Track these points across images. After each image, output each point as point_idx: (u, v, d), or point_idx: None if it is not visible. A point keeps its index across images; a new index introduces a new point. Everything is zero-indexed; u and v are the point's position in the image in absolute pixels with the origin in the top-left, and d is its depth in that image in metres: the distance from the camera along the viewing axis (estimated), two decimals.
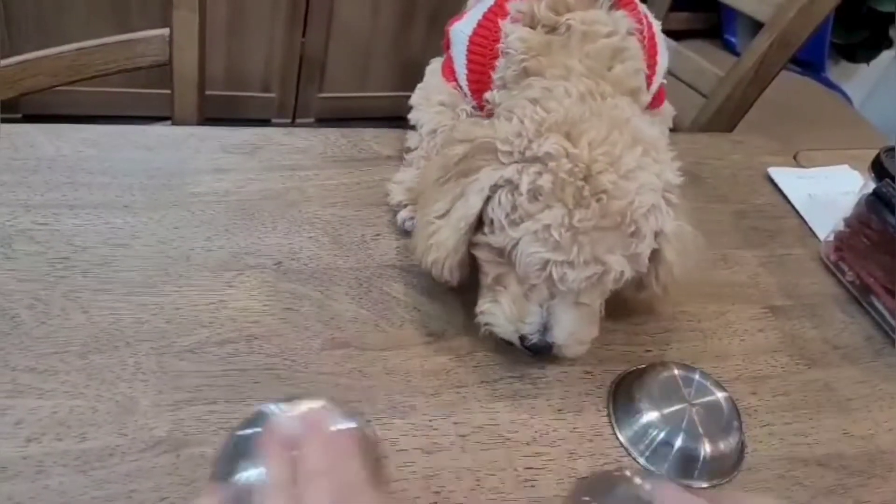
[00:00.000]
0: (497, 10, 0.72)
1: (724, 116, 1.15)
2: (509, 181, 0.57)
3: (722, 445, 0.62)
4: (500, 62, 0.70)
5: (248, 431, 0.48)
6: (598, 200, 0.55)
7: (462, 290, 0.71)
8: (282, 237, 0.72)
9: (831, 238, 0.84)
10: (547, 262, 0.57)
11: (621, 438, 0.63)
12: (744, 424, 0.65)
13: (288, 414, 0.48)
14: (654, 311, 0.72)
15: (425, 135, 0.77)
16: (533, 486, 0.59)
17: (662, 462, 0.62)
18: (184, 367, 0.60)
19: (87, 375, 0.58)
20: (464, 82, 0.76)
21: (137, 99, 1.78)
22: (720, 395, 0.65)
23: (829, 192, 0.92)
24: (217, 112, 1.84)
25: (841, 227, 0.83)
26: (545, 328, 0.60)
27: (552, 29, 0.67)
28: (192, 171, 0.77)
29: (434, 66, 0.82)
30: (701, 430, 0.63)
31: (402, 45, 1.91)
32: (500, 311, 0.62)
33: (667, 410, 0.63)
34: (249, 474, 0.46)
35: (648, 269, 0.62)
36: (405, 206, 0.75)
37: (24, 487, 0.51)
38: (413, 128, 0.79)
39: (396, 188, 0.76)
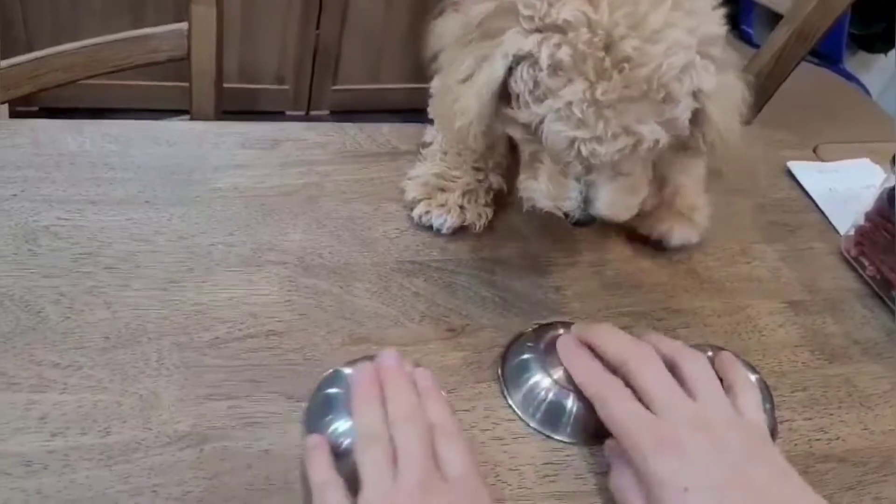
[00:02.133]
0: None
1: None
2: (529, 54, 0.54)
3: None
4: None
5: (333, 390, 0.58)
6: (621, 71, 0.52)
7: (482, 284, 0.71)
8: (302, 233, 0.73)
9: (852, 232, 0.84)
10: (574, 140, 0.54)
11: None
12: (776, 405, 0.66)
13: (366, 366, 0.57)
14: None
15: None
16: (553, 482, 0.59)
17: None
18: (206, 362, 0.61)
19: (110, 370, 0.59)
20: None
21: (154, 92, 1.79)
22: (753, 377, 0.66)
23: (849, 186, 0.92)
24: (232, 105, 1.84)
25: (861, 221, 0.83)
26: (586, 202, 0.59)
27: None
28: (213, 166, 0.77)
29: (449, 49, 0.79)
30: None
31: (415, 37, 1.90)
32: (538, 186, 0.59)
33: None
34: (339, 426, 0.55)
35: (692, 130, 0.58)
36: (420, 201, 0.75)
37: (51, 481, 0.52)
38: (431, 121, 0.79)
39: (411, 184, 0.76)
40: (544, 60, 0.53)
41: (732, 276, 0.80)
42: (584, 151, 0.54)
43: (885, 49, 2.08)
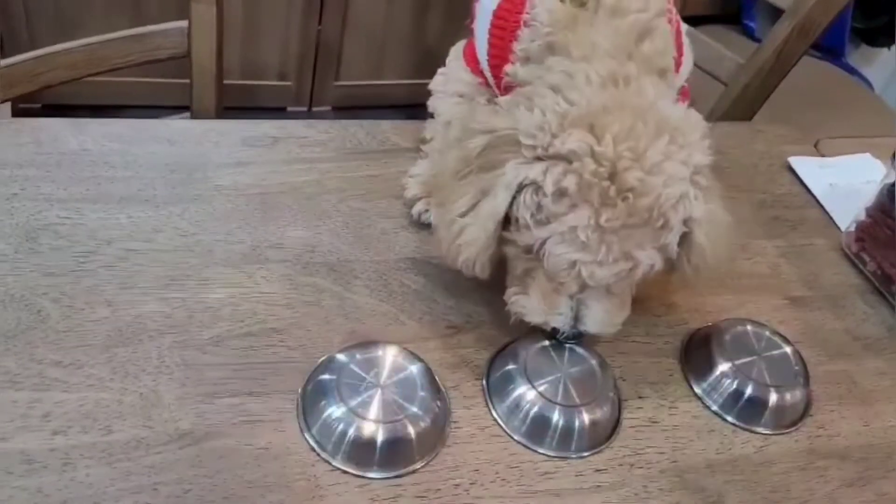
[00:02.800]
0: None
1: (744, 105, 1.14)
2: (534, 181, 0.56)
3: (788, 396, 0.66)
4: (523, 33, 0.67)
5: (326, 376, 0.59)
6: (625, 199, 0.54)
7: (482, 281, 0.71)
8: (302, 230, 0.73)
9: (853, 228, 0.84)
10: (575, 262, 0.56)
11: (696, 389, 0.67)
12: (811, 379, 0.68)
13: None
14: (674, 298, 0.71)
15: (441, 126, 0.76)
16: (552, 479, 0.59)
17: (733, 408, 0.66)
18: (206, 360, 0.61)
19: (111, 369, 0.59)
20: (484, 56, 0.74)
21: (156, 89, 1.79)
22: (788, 349, 0.69)
23: (850, 181, 0.91)
24: (234, 101, 1.84)
25: (862, 216, 0.82)
26: (576, 319, 0.60)
27: (581, 3, 0.64)
28: (213, 164, 0.77)
29: (457, 50, 0.80)
30: (769, 380, 0.66)
31: (417, 33, 1.91)
32: (529, 303, 0.61)
33: (738, 362, 0.67)
34: (333, 411, 0.57)
35: (679, 253, 0.60)
36: (420, 199, 0.75)
37: (51, 480, 0.52)
38: (431, 115, 0.79)
39: (412, 182, 0.76)
40: (549, 187, 0.55)
41: (733, 272, 0.80)
42: (584, 273, 0.56)
43: (888, 43, 2.06)
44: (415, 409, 0.58)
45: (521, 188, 0.57)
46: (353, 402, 0.57)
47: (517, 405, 0.61)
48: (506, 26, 0.70)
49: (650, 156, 0.55)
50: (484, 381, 0.64)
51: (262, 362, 0.62)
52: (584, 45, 0.62)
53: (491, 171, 0.59)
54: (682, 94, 0.75)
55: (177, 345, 0.61)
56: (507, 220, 0.60)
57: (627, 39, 0.62)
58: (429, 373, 0.61)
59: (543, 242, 0.57)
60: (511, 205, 0.58)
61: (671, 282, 0.68)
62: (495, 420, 0.62)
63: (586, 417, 0.61)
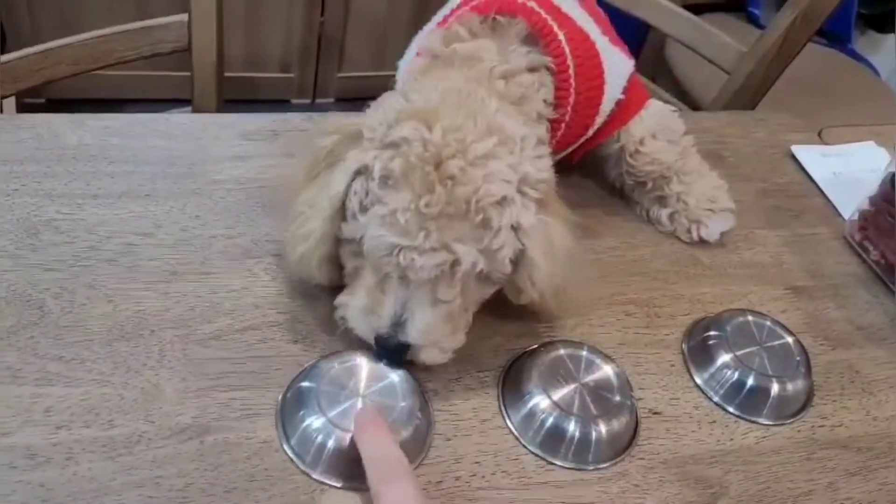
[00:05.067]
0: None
1: (747, 93, 1.14)
2: (365, 167, 0.57)
3: (790, 386, 0.66)
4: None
5: (306, 384, 0.58)
6: (444, 185, 0.54)
7: None
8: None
9: (856, 217, 0.83)
10: (394, 246, 0.55)
11: (698, 380, 0.68)
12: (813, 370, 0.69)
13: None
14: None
15: None
16: (551, 471, 0.59)
17: (734, 399, 0.66)
18: (207, 354, 0.61)
19: (113, 363, 0.59)
20: None
21: (157, 81, 1.79)
22: (790, 339, 0.69)
23: (853, 170, 0.91)
24: (237, 93, 1.85)
25: (866, 205, 0.82)
26: (399, 324, 0.58)
27: (434, 56, 0.68)
28: (213, 158, 0.77)
29: None
30: (770, 371, 0.66)
31: (420, 23, 1.90)
32: (353, 303, 0.59)
33: (740, 352, 0.67)
34: (312, 422, 0.56)
35: (519, 271, 0.60)
36: None
37: (54, 474, 0.52)
38: None
39: None
40: (377, 172, 0.56)
41: (735, 262, 0.79)
42: (403, 260, 0.55)
43: (894, 29, 2.05)
44: (396, 417, 0.57)
45: (356, 176, 0.57)
46: (332, 413, 0.56)
47: (532, 415, 0.61)
48: None
49: (474, 149, 0.55)
50: (498, 389, 0.64)
51: (263, 356, 0.62)
52: (435, 79, 0.63)
53: (335, 165, 0.59)
54: (629, 103, 0.76)
55: (178, 339, 0.62)
56: (344, 218, 0.59)
57: (482, 76, 0.64)
58: (410, 379, 0.60)
59: (362, 232, 0.57)
60: (347, 197, 0.58)
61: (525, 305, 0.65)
62: (508, 427, 0.61)
63: (603, 429, 0.60)
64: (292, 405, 0.58)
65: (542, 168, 0.59)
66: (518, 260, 0.59)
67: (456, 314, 0.59)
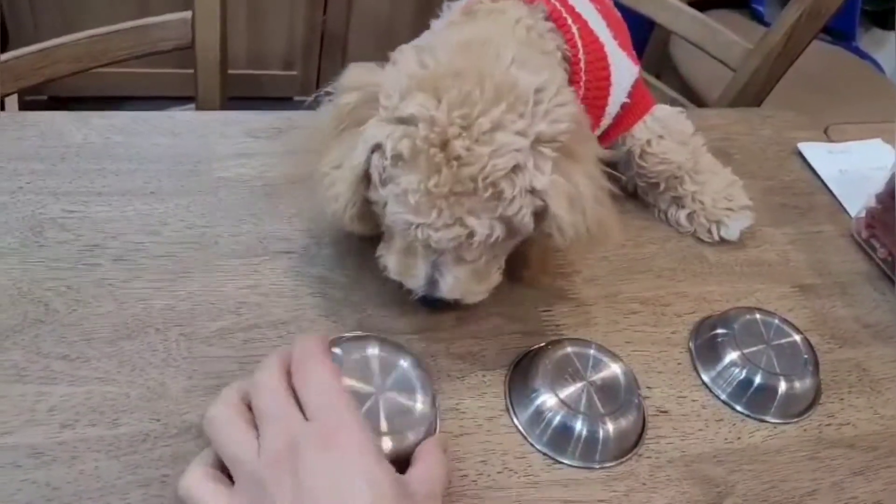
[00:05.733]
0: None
1: (753, 90, 1.14)
2: (379, 145, 0.57)
3: (797, 385, 0.66)
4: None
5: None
6: (451, 167, 0.54)
7: None
8: (308, 221, 0.72)
9: (863, 214, 0.83)
10: (410, 223, 0.57)
11: (705, 378, 0.67)
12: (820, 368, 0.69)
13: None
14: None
15: None
16: (559, 469, 0.59)
17: (742, 397, 0.66)
18: (213, 352, 0.61)
19: (118, 362, 0.59)
20: None
21: (161, 79, 1.79)
22: (797, 337, 0.69)
23: (860, 167, 0.91)
24: (240, 91, 1.85)
25: (873, 203, 0.82)
26: (431, 283, 0.61)
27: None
28: (218, 156, 0.77)
29: None
30: (778, 369, 0.66)
31: (423, 21, 1.89)
32: (390, 262, 0.63)
33: (747, 351, 0.67)
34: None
35: (544, 223, 0.59)
36: None
37: (60, 473, 0.52)
38: None
39: None
40: (388, 151, 0.56)
41: (741, 260, 0.79)
42: (420, 235, 0.57)
43: None
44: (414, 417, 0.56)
45: (374, 149, 0.58)
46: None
47: (539, 413, 0.61)
48: None
49: (479, 124, 0.54)
50: (505, 387, 0.64)
51: (268, 354, 0.61)
52: (451, 33, 0.64)
53: (359, 126, 0.59)
54: (634, 106, 0.76)
55: (183, 337, 0.61)
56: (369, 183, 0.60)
57: (503, 27, 0.65)
58: (417, 368, 0.59)
59: (386, 202, 0.58)
60: (368, 163, 0.59)
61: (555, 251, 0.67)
62: (515, 425, 0.61)
63: (611, 427, 0.60)
64: None
65: (560, 118, 0.58)
66: (541, 213, 0.59)
67: (483, 268, 0.62)
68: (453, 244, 0.57)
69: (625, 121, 0.76)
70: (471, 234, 0.56)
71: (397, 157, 0.56)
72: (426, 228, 0.56)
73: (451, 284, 0.61)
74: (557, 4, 0.71)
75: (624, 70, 0.74)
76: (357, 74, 0.62)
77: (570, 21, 0.70)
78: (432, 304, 0.64)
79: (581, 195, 0.59)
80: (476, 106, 0.55)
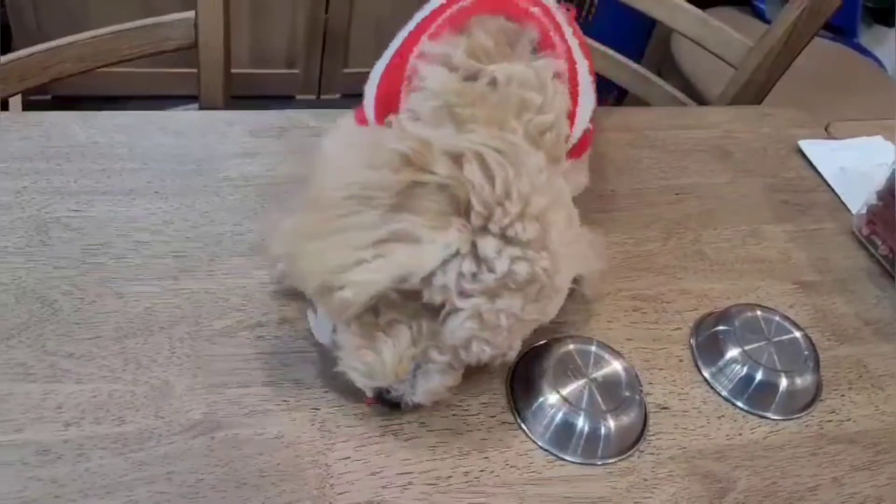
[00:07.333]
0: (409, 45, 0.66)
1: (754, 88, 1.13)
2: (484, 257, 0.50)
3: (798, 381, 0.66)
4: (410, 93, 0.62)
5: None
6: (549, 299, 0.54)
7: None
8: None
9: (863, 211, 0.83)
10: (473, 340, 0.52)
11: (706, 375, 0.68)
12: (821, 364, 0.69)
13: None
14: None
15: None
16: (563, 466, 0.59)
17: (743, 393, 0.66)
18: (217, 350, 0.61)
19: (123, 360, 0.59)
20: (370, 101, 0.70)
21: (164, 79, 1.80)
22: (798, 333, 0.69)
23: (861, 164, 0.91)
24: (242, 90, 1.85)
25: (873, 200, 0.82)
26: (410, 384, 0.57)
27: (473, 77, 0.59)
28: (221, 155, 0.78)
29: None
30: (779, 365, 0.66)
31: None
32: (376, 363, 0.55)
33: (748, 347, 0.67)
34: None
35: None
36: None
37: (66, 470, 0.53)
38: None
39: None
40: (500, 268, 0.50)
41: (742, 257, 0.79)
42: (475, 349, 0.53)
43: None
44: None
45: (457, 253, 0.51)
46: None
47: (541, 410, 0.61)
48: (394, 78, 0.66)
49: (562, 256, 0.53)
50: (507, 384, 0.64)
51: (272, 352, 0.62)
52: (494, 124, 0.56)
53: (415, 213, 0.51)
54: (582, 142, 0.69)
55: (187, 336, 0.62)
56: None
57: (534, 129, 0.58)
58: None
59: (457, 312, 0.52)
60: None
61: None
62: (517, 422, 0.62)
63: (612, 423, 0.61)
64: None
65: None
66: None
67: (459, 373, 0.58)
68: (486, 360, 0.54)
69: (579, 149, 0.70)
70: (505, 354, 0.55)
71: (506, 277, 0.50)
72: (483, 344, 0.53)
73: (431, 390, 0.57)
74: (548, 23, 0.65)
75: (590, 97, 0.70)
76: (420, 146, 0.52)
77: (557, 41, 0.66)
78: (393, 405, 0.58)
79: (591, 256, 0.62)
80: (567, 236, 0.55)
